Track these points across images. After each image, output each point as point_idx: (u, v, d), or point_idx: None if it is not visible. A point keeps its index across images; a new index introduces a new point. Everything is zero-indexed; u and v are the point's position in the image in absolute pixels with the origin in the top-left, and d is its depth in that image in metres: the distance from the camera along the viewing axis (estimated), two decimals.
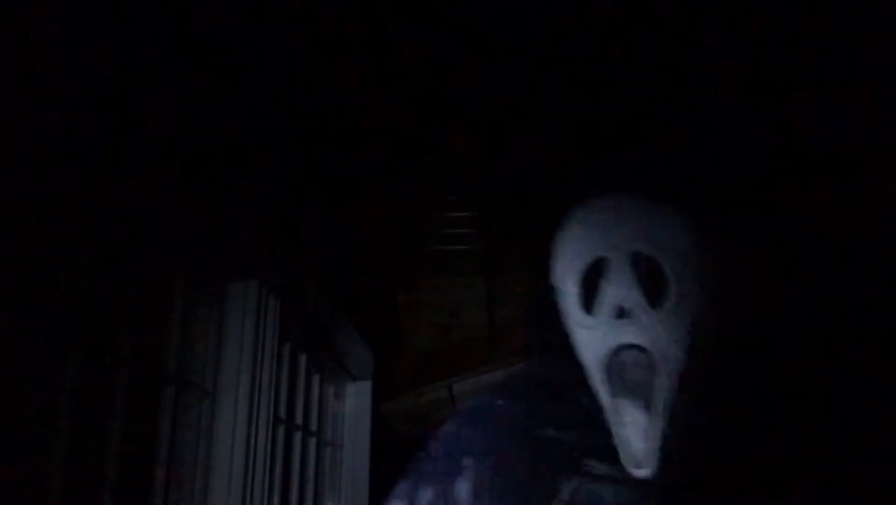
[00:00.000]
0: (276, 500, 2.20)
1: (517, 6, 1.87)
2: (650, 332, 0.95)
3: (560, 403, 1.05)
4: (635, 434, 0.94)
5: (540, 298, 1.13)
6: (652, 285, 0.97)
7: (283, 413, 2.38)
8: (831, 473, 1.04)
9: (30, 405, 1.31)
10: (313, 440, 2.82)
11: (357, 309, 3.18)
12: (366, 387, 3.43)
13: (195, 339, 2.04)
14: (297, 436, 2.63)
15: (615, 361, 0.97)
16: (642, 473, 0.93)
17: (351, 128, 2.34)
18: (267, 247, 2.38)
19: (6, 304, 1.23)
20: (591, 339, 0.99)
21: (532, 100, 2.20)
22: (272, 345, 2.21)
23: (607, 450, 0.96)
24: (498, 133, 2.68)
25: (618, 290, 0.97)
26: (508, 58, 2.03)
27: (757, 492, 0.99)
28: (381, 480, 2.65)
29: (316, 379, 2.88)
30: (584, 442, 1.00)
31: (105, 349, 1.60)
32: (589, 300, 1.00)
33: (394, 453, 1.80)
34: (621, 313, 0.97)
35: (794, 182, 2.57)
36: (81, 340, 1.46)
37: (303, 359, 2.67)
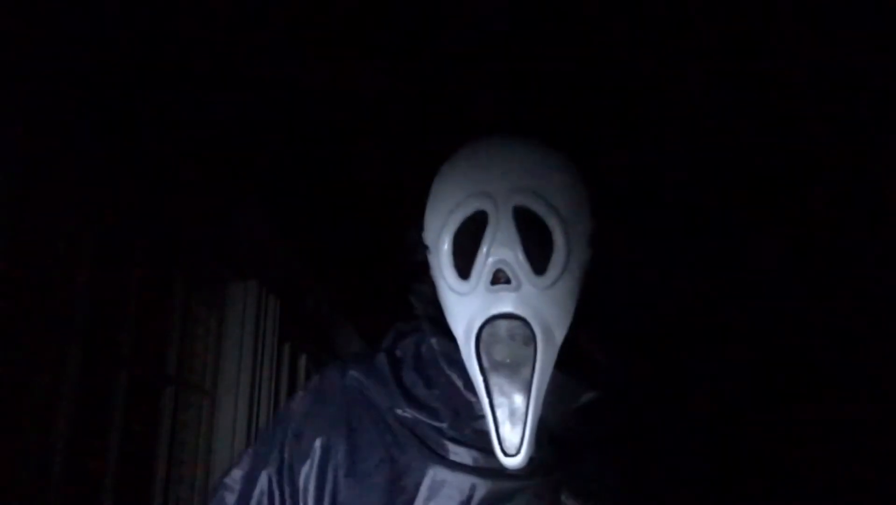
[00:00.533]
0: None
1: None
2: (532, 301, 0.82)
3: (427, 379, 0.91)
4: (508, 418, 0.81)
5: (409, 257, 0.97)
6: (537, 248, 0.82)
7: None
8: (725, 466, 0.96)
9: (30, 405, 1.31)
10: None
11: (357, 309, 3.19)
12: None
13: (195, 339, 2.04)
14: None
15: (490, 333, 0.83)
16: (513, 463, 0.79)
17: (353, 129, 2.34)
18: (267, 247, 2.38)
19: (7, 304, 1.23)
20: (465, 306, 0.84)
21: (528, 98, 2.21)
22: (272, 345, 2.22)
23: (479, 436, 0.83)
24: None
25: (497, 251, 0.82)
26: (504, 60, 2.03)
27: (647, 486, 0.88)
28: None
29: None
30: (454, 425, 0.87)
31: (105, 349, 1.60)
32: (464, 262, 0.84)
33: None
34: (500, 278, 0.82)
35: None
36: (81, 339, 1.46)
37: (303, 359, 2.68)
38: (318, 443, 0.90)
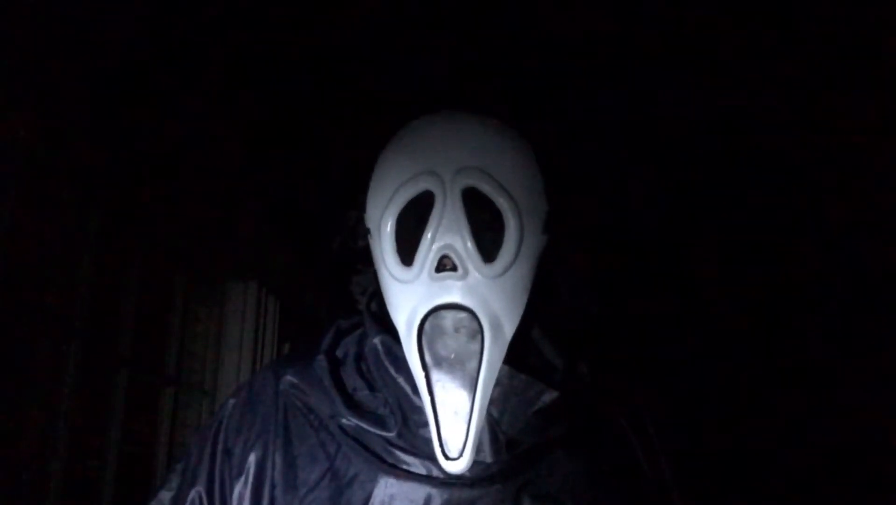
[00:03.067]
0: None
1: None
2: (480, 291, 0.74)
3: (372, 382, 0.84)
4: (451, 418, 0.74)
5: (346, 243, 0.90)
6: (487, 233, 0.75)
7: None
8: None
9: (30, 405, 1.31)
10: None
11: (356, 308, 3.18)
12: None
13: (195, 339, 2.04)
14: None
15: (433, 325, 0.75)
16: (455, 467, 0.72)
17: (352, 128, 2.34)
18: (267, 247, 2.38)
19: (7, 303, 1.23)
20: (407, 295, 0.77)
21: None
22: (272, 345, 2.22)
23: (430, 444, 0.75)
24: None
25: (444, 235, 0.75)
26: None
27: (610, 487, 0.83)
28: None
29: None
30: (402, 434, 0.79)
31: (105, 349, 1.60)
32: (408, 247, 0.76)
33: None
34: (446, 265, 0.75)
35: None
36: (81, 339, 1.46)
37: None
38: (252, 458, 0.83)
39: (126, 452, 1.63)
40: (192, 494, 0.83)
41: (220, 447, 0.85)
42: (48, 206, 1.37)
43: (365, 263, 0.89)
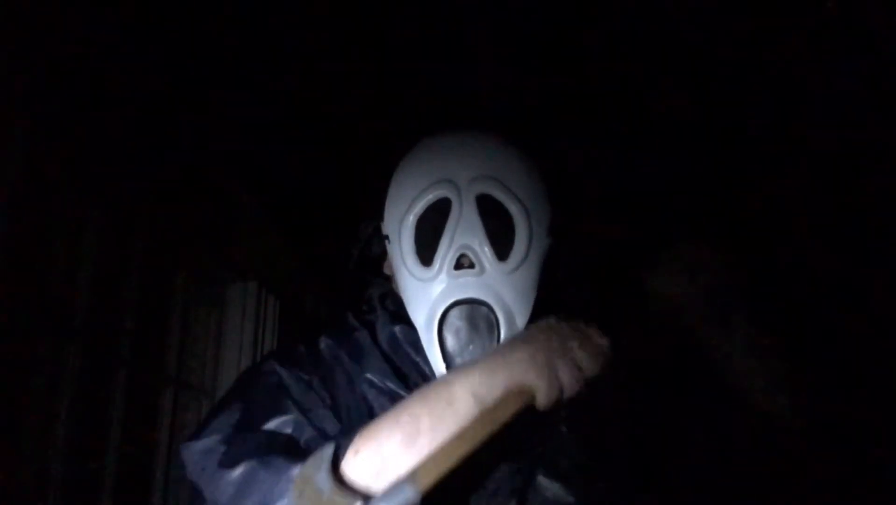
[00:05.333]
0: None
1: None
2: (494, 286, 0.81)
3: (393, 369, 0.88)
4: None
5: (364, 250, 0.98)
6: (500, 234, 0.83)
7: None
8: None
9: (29, 405, 1.31)
10: None
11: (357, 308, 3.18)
12: None
13: (195, 339, 2.03)
14: None
15: (452, 319, 0.82)
16: None
17: (351, 129, 2.34)
18: (267, 247, 2.38)
19: (6, 303, 1.23)
20: (427, 292, 0.84)
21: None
22: (272, 345, 2.21)
23: None
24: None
25: (461, 237, 0.82)
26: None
27: (614, 463, 0.87)
28: None
29: None
30: None
31: (105, 349, 1.60)
32: (427, 248, 0.84)
33: None
34: (463, 264, 0.82)
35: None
36: (81, 339, 1.46)
37: None
38: (327, 391, 0.85)
39: (126, 452, 1.62)
40: (289, 418, 0.81)
41: (293, 386, 0.84)
42: (48, 205, 1.37)
43: (374, 273, 0.97)
